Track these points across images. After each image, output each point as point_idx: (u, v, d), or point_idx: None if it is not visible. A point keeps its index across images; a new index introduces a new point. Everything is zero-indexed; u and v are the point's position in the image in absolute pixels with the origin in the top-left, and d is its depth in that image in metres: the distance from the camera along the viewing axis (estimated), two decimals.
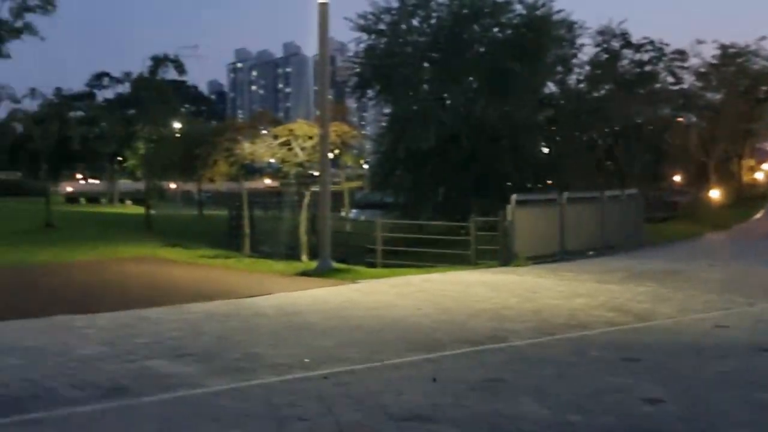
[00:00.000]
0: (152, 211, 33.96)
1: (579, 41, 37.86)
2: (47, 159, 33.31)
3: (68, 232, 28.18)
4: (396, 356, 8.64)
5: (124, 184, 77.20)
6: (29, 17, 42.14)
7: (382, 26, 31.27)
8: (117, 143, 42.89)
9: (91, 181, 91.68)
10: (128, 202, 71.37)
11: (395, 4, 30.89)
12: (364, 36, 31.38)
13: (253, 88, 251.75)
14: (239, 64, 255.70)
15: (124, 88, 43.49)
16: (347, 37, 33.09)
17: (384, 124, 39.50)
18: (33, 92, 32.57)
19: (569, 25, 34.99)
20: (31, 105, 33.21)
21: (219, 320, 11.28)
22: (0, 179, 78.30)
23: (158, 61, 34.56)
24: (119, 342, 9.43)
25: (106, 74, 74.78)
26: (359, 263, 19.87)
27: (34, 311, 11.84)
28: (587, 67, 40.44)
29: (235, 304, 12.87)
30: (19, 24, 42.08)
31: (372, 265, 20.04)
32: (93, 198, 76.70)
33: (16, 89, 32.87)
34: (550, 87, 36.52)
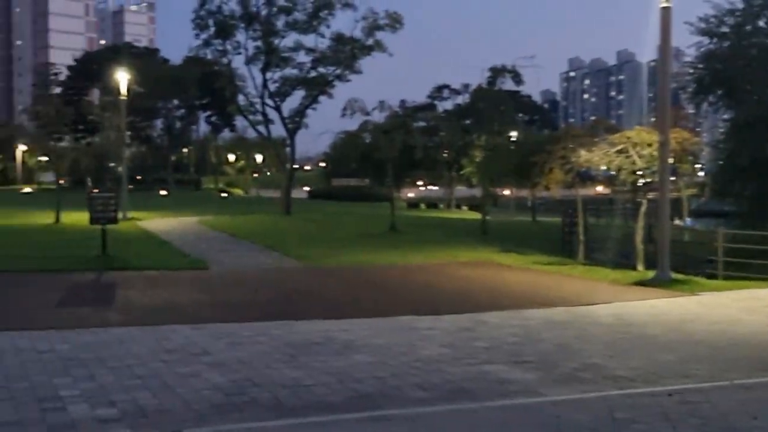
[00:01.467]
0: (487, 217, 34.50)
1: None
2: (392, 167, 35.01)
3: (410, 235, 29.40)
4: (746, 376, 7.95)
5: (460, 190, 79.45)
6: (379, 35, 44.94)
7: (724, 29, 29.38)
8: (455, 151, 44.21)
9: (430, 187, 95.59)
10: (464, 207, 73.49)
11: (740, 6, 28.90)
12: (705, 40, 29.68)
13: (585, 96, 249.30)
14: (572, 73, 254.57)
15: (463, 99, 44.74)
16: (682, 42, 31.49)
17: (723, 130, 37.15)
18: (381, 105, 34.39)
19: None
20: (379, 117, 35.14)
21: (556, 327, 11.11)
22: (350, 185, 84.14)
23: (496, 72, 35.09)
24: (460, 344, 9.57)
25: (446, 86, 77.20)
26: (698, 274, 18.75)
27: (381, 310, 12.43)
28: None
29: (571, 312, 12.63)
30: (370, 42, 44.94)
31: (712, 277, 18.80)
32: (432, 203, 79.86)
33: (366, 102, 34.83)
34: None
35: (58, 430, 5.76)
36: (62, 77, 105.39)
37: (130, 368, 7.75)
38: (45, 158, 70.54)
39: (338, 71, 46.91)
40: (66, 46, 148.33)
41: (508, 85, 38.06)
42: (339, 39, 45.68)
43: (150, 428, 5.87)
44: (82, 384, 7.06)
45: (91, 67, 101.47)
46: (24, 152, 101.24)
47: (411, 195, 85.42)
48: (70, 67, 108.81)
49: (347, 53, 45.87)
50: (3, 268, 16.56)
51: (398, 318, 11.69)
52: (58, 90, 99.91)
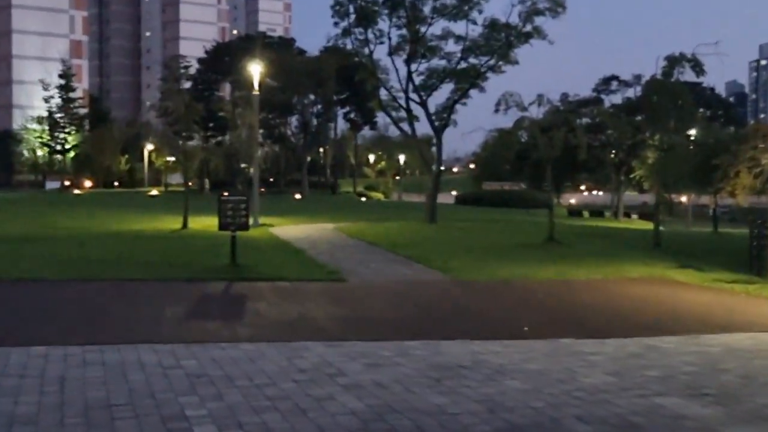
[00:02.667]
0: (661, 227, 33.64)
1: None
2: (551, 169, 34.56)
3: (571, 247, 28.99)
4: None
5: (629, 196, 77.73)
6: (538, 21, 44.42)
7: None
8: (624, 152, 43.33)
9: (594, 192, 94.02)
10: (634, 216, 71.89)
11: None
12: None
13: None
14: (763, 61, 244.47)
15: (634, 92, 43.72)
16: None
17: None
18: (540, 99, 33.97)
19: None
20: (537, 112, 34.72)
21: (741, 356, 10.72)
22: (503, 190, 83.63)
23: (673, 61, 34.15)
24: (627, 373, 9.35)
25: (615, 78, 75.83)
26: None
27: (537, 331, 12.31)
28: None
29: (759, 339, 12.16)
30: (528, 28, 44.51)
31: None
32: (596, 211, 78.55)
33: (523, 96, 34.45)
34: None
35: None
36: (192, 70, 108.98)
37: (259, 388, 7.96)
38: (172, 159, 73.39)
39: (491, 62, 46.63)
40: (197, 37, 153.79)
41: (687, 75, 36.89)
42: (493, 25, 45.34)
43: None
44: (209, 403, 7.30)
45: (222, 59, 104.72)
46: (151, 152, 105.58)
47: (572, 201, 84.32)
48: (200, 60, 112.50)
49: (502, 41, 45.58)
50: (128, 276, 17.35)
51: (557, 341, 11.55)
52: (187, 84, 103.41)
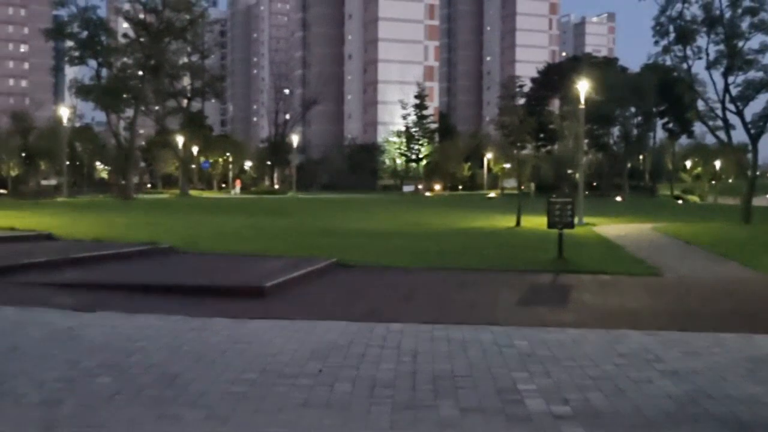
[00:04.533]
0: None
1: None
2: None
3: None
4: None
5: None
6: None
7: None
8: None
9: None
10: None
11: None
12: None
13: None
14: None
15: None
16: None
17: None
18: None
19: None
20: None
21: None
22: None
23: None
24: None
25: None
26: None
27: None
28: None
29: None
30: None
31: None
32: None
33: None
34: None
35: (515, 421, 6.01)
36: (526, 89, 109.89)
37: (582, 369, 7.81)
38: (508, 165, 74.24)
39: None
40: (530, 60, 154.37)
41: None
42: None
43: (602, 429, 5.88)
44: (537, 380, 7.28)
45: (552, 78, 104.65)
46: (489, 160, 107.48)
47: None
48: (533, 79, 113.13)
49: None
50: (467, 266, 17.72)
51: None
52: (521, 101, 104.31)
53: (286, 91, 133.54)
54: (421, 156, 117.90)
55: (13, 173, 73.36)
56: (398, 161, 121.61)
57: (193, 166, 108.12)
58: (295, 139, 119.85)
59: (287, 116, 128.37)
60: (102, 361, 7.65)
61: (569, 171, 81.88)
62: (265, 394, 6.62)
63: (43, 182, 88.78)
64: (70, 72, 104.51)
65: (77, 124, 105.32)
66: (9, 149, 76.26)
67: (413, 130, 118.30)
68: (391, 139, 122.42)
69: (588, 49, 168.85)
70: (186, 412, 6.07)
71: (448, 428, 5.83)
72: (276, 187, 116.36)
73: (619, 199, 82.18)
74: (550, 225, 19.24)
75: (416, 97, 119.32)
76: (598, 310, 12.28)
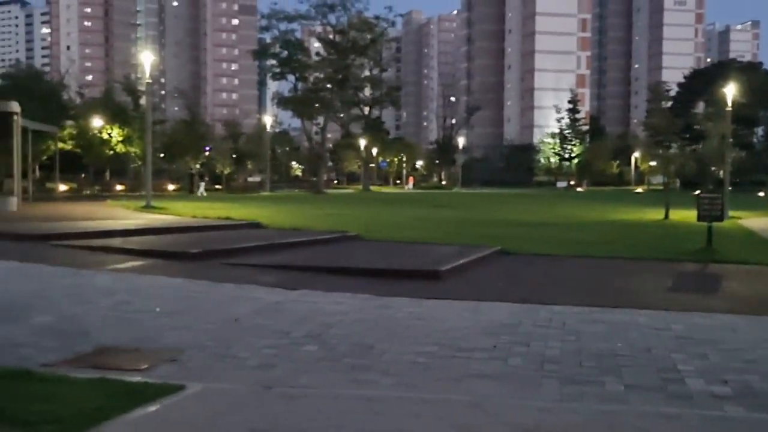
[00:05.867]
0: None
1: None
2: None
3: None
4: None
5: None
6: None
7: None
8: None
9: None
10: None
11: None
12: None
13: None
14: None
15: None
16: None
17: None
18: None
19: None
20: None
21: None
22: None
23: None
24: None
25: None
26: None
27: None
28: None
29: None
30: None
31: None
32: None
33: None
34: None
35: (676, 398, 5.72)
36: (672, 93, 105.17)
37: (737, 352, 7.35)
38: (654, 163, 70.94)
39: None
40: (676, 66, 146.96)
41: None
42: None
43: (763, 410, 5.50)
44: (695, 361, 6.90)
45: (697, 83, 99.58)
46: (636, 158, 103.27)
47: None
48: (679, 84, 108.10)
49: None
50: (617, 254, 17.04)
51: None
52: (668, 104, 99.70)
53: (452, 98, 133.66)
54: (573, 155, 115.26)
55: (226, 171, 77.21)
56: (552, 160, 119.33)
57: (373, 164, 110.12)
58: (460, 141, 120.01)
59: (453, 121, 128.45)
60: (307, 332, 7.90)
61: (713, 168, 77.35)
62: (445, 365, 6.64)
63: (249, 179, 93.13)
64: (272, 86, 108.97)
65: (277, 130, 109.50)
66: (223, 151, 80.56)
67: (566, 131, 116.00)
68: (545, 140, 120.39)
69: (732, 55, 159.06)
70: (379, 378, 6.17)
71: (613, 402, 5.63)
72: (443, 183, 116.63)
73: (761, 194, 76.78)
74: (700, 218, 18.22)
75: (569, 102, 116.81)
76: (747, 298, 11.53)
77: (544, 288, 12.10)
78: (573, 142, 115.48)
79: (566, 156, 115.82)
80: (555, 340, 7.72)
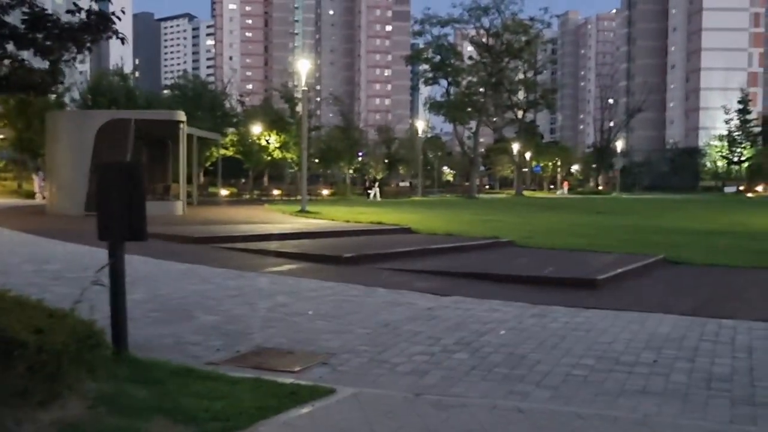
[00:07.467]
0: None
1: None
2: None
3: None
4: None
5: None
6: None
7: None
8: None
9: None
10: None
11: None
12: None
13: None
14: None
15: None
16: None
17: None
18: None
19: None
20: None
21: None
22: None
23: None
24: None
25: None
26: None
27: None
28: None
29: None
30: None
31: None
32: None
33: None
34: None
35: None
36: None
37: None
38: None
39: None
40: None
41: None
42: None
43: None
44: None
45: None
46: None
47: None
48: None
49: None
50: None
51: None
52: None
53: (611, 100, 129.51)
54: (743, 159, 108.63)
55: (379, 176, 78.73)
56: (719, 164, 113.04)
57: (526, 169, 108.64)
58: (618, 145, 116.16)
59: (611, 123, 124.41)
60: (458, 339, 7.87)
61: None
62: (604, 378, 6.41)
63: (401, 184, 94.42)
64: (425, 91, 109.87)
65: (429, 135, 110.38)
66: (376, 156, 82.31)
67: (735, 134, 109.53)
68: (712, 143, 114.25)
69: None
70: (533, 390, 6.05)
71: None
72: (600, 188, 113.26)
73: None
74: None
75: (739, 102, 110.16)
76: None
77: (713, 300, 11.41)
78: (743, 145, 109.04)
79: (735, 160, 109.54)
80: (723, 356, 7.27)
